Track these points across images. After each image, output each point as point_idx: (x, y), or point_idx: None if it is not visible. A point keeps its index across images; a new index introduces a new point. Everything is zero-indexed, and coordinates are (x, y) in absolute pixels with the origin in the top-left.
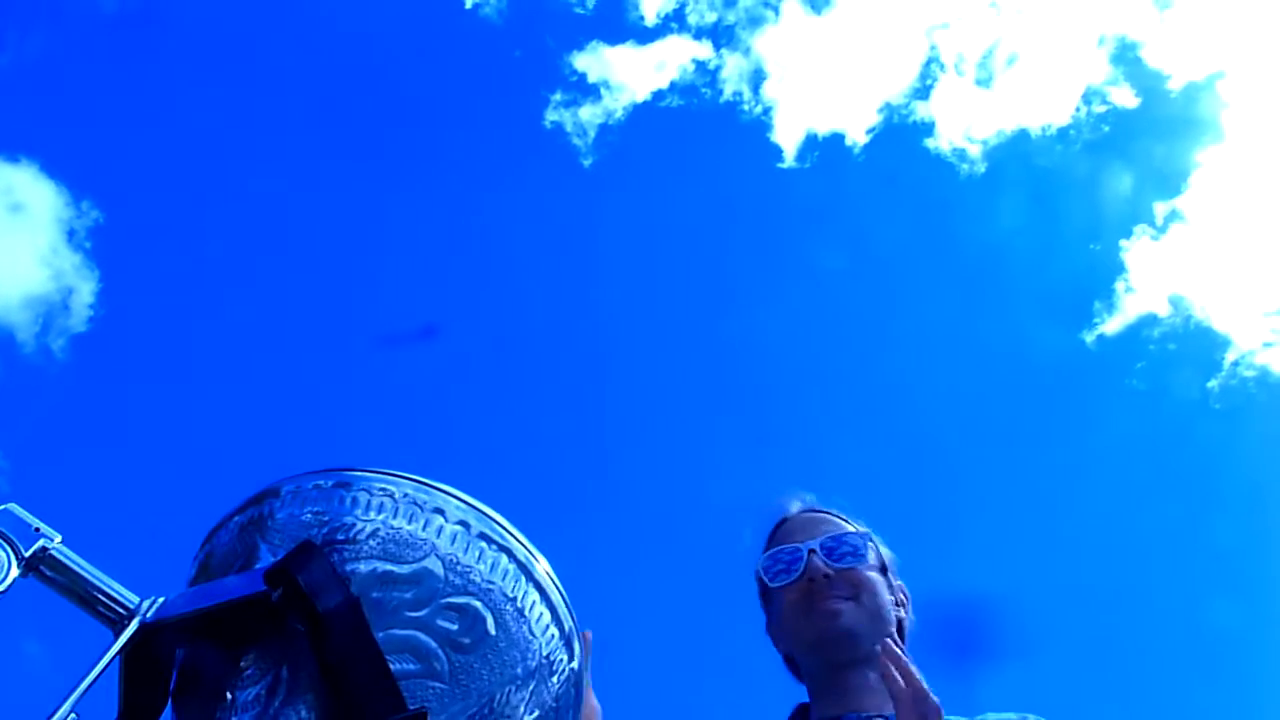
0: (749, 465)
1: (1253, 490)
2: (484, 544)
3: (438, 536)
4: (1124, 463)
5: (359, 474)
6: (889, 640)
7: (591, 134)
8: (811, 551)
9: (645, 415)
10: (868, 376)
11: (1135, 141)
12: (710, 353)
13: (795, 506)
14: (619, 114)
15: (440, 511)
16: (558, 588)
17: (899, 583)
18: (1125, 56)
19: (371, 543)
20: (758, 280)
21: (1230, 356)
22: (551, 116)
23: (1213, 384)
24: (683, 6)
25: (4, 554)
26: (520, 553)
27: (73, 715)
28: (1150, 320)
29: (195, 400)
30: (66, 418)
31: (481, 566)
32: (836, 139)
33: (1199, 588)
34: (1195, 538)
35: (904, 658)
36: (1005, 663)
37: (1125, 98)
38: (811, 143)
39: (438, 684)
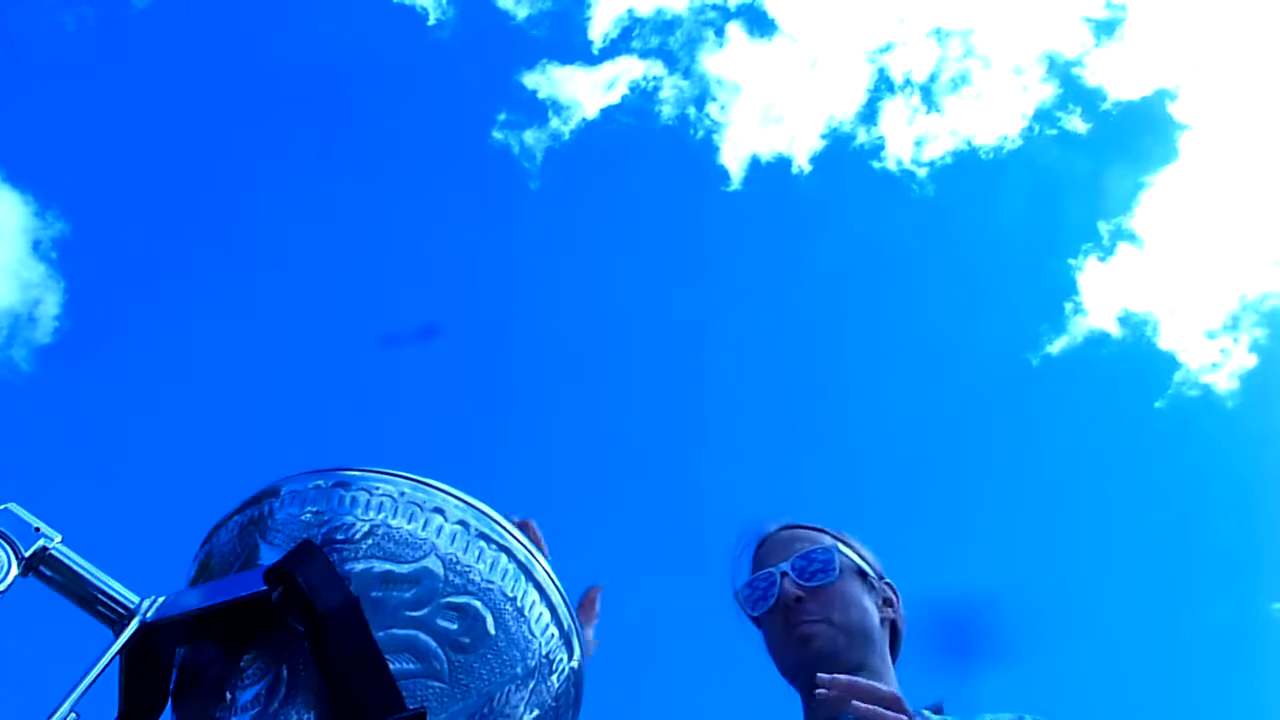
0: (699, 477)
1: (1202, 509)
2: (483, 543)
3: (437, 536)
4: (1069, 482)
5: (358, 473)
6: (821, 677)
7: (539, 156)
8: (784, 574)
9: (614, 424)
10: (814, 398)
11: (1085, 162)
12: (664, 374)
13: (774, 525)
14: (566, 136)
15: (440, 511)
16: (557, 587)
17: (885, 582)
18: (1074, 77)
19: (371, 542)
20: (705, 309)
21: (1177, 377)
22: (497, 135)
23: (1160, 404)
24: (629, 30)
25: (4, 554)
26: (520, 552)
27: (73, 715)
28: (1098, 340)
29: (182, 407)
30: (33, 432)
31: (481, 566)
32: (783, 162)
33: (1148, 607)
34: (1148, 556)
35: (849, 682)
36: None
37: (1074, 119)
38: (757, 166)
39: (437, 683)
